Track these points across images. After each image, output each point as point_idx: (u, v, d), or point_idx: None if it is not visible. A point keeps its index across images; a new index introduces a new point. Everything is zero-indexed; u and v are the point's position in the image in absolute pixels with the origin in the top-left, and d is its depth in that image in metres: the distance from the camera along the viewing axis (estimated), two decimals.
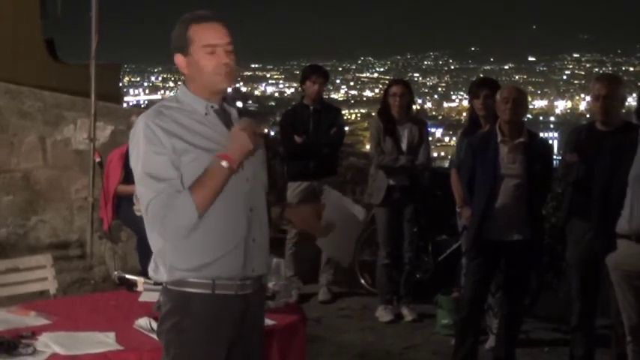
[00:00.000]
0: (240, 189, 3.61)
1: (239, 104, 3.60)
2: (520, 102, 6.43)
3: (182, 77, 3.75)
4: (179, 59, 3.65)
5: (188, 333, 3.62)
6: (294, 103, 9.88)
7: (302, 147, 8.51)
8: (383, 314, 8.17)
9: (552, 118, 53.95)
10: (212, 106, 3.66)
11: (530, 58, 68.38)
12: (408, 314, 8.21)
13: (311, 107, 8.70)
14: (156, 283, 5.01)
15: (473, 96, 7.49)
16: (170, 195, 3.48)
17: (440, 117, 53.79)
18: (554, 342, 7.53)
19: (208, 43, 3.56)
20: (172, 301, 3.65)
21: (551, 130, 42.61)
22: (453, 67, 68.41)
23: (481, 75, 56.41)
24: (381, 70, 68.27)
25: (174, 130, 3.55)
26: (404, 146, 8.06)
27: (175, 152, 3.51)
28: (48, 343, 4.22)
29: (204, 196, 3.49)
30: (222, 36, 3.60)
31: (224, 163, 3.48)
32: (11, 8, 10.82)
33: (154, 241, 3.66)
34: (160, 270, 3.66)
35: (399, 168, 8.02)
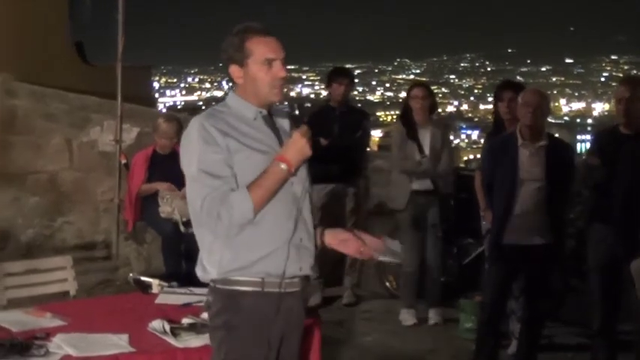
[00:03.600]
0: (289, 191, 3.73)
1: (297, 112, 3.87)
2: (541, 106, 6.37)
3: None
4: (234, 70, 3.78)
5: (239, 330, 3.72)
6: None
7: (327, 149, 8.48)
8: (406, 318, 8.13)
9: (590, 121, 53.54)
10: (261, 112, 3.80)
11: (568, 60, 67.90)
12: (432, 318, 8.16)
13: (337, 110, 8.68)
14: (185, 281, 5.04)
15: (497, 99, 7.44)
16: (225, 192, 3.59)
17: (476, 119, 53.53)
18: (579, 347, 7.44)
19: (267, 57, 3.71)
20: (222, 300, 3.76)
21: (588, 132, 42.28)
22: (489, 69, 68.08)
23: (518, 77, 56.21)
24: (417, 71, 68.11)
25: (227, 130, 3.68)
26: (426, 150, 8.01)
27: (230, 151, 3.64)
28: (61, 344, 4.24)
29: (261, 195, 3.61)
30: (279, 50, 3.75)
31: (283, 166, 3.63)
32: (40, 12, 10.88)
33: (204, 238, 3.77)
34: (207, 269, 3.76)
35: (421, 173, 7.98)
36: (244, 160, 3.65)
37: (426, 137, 8.04)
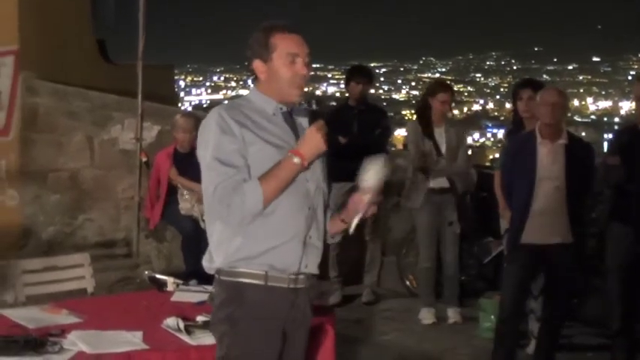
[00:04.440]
0: (302, 187, 3.77)
1: (314, 107, 3.84)
2: (560, 105, 6.31)
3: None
4: (258, 65, 3.81)
5: (241, 323, 3.73)
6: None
7: (345, 148, 8.46)
8: (425, 316, 8.12)
9: (617, 119, 53.18)
10: (281, 108, 3.83)
11: (595, 59, 67.44)
12: (451, 317, 8.15)
13: (355, 108, 8.65)
14: (205, 280, 5.05)
15: (516, 98, 7.41)
16: (238, 181, 3.62)
17: (502, 118, 53.33)
18: (598, 347, 7.39)
19: (290, 52, 3.74)
20: (226, 292, 3.78)
21: (615, 131, 41.95)
22: (515, 68, 67.77)
23: (544, 76, 55.87)
24: (443, 70, 67.92)
25: (244, 122, 3.71)
26: (443, 149, 8.00)
27: (245, 143, 3.67)
28: (75, 341, 4.25)
29: (273, 186, 3.64)
30: (303, 47, 3.79)
31: (296, 159, 3.65)
32: (62, 10, 10.91)
33: (215, 227, 3.79)
34: (214, 259, 3.79)
35: (439, 171, 7.95)
36: (258, 152, 3.68)
37: (441, 136, 8.02)
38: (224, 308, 3.78)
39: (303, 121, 3.92)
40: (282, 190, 3.67)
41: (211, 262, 3.81)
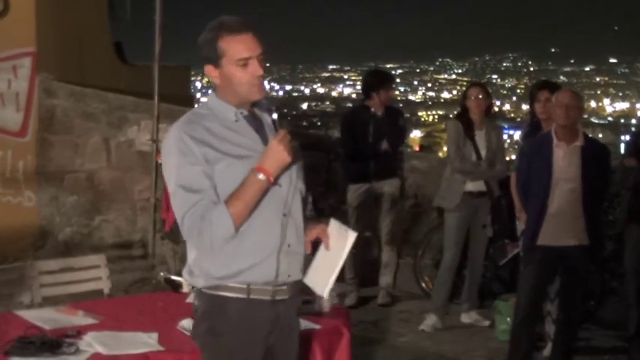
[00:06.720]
0: (274, 195, 3.58)
1: (274, 115, 3.61)
2: (574, 107, 6.29)
3: None
4: (210, 70, 3.61)
5: (223, 336, 3.61)
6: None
7: (362, 149, 8.45)
8: (432, 322, 8.03)
9: (634, 121, 53.09)
10: (241, 113, 3.63)
11: (612, 60, 67.32)
12: (468, 318, 8.12)
13: (371, 109, 8.61)
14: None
15: (533, 99, 7.39)
16: (206, 207, 3.46)
17: (518, 119, 53.28)
18: (615, 350, 7.38)
19: (241, 57, 3.52)
20: (207, 305, 3.65)
21: (632, 132, 41.86)
22: (532, 69, 67.76)
23: (561, 77, 55.83)
24: (459, 71, 67.99)
25: (205, 138, 3.52)
26: (483, 151, 7.91)
27: (208, 161, 3.49)
28: (91, 342, 4.26)
29: (240, 208, 3.47)
30: (254, 47, 3.54)
31: (261, 176, 3.46)
32: (80, 12, 10.97)
33: (189, 250, 3.66)
34: (195, 274, 3.65)
35: (478, 174, 7.90)
36: (224, 169, 3.50)
37: (482, 139, 7.92)
38: (205, 321, 3.66)
39: (267, 117, 3.71)
40: (252, 209, 3.50)
41: (192, 275, 3.66)
